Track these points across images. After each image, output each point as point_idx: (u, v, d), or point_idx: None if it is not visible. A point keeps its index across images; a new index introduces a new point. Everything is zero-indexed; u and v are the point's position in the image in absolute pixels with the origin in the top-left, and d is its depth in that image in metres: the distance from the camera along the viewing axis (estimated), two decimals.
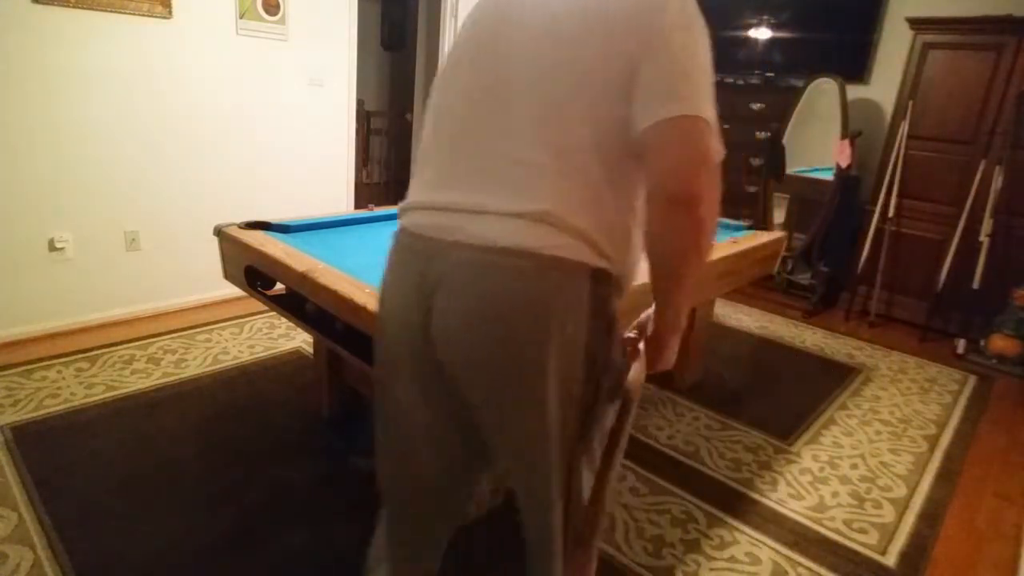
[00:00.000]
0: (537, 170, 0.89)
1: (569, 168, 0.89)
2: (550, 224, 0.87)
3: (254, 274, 1.88)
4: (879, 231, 3.74)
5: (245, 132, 3.12)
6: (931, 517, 1.98)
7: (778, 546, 1.79)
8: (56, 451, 1.90)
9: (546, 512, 1.00)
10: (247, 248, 1.84)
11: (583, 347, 0.92)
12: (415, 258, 0.96)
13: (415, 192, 1.01)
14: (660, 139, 0.85)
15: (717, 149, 0.87)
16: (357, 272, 1.60)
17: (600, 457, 1.03)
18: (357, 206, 3.70)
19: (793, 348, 3.32)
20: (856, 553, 1.79)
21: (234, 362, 2.58)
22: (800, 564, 1.72)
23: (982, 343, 3.36)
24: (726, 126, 4.34)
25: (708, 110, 0.85)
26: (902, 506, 2.03)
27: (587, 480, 1.03)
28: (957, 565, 1.80)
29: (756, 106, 4.22)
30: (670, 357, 1.07)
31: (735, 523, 1.87)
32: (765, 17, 4.21)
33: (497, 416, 0.98)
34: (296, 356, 2.68)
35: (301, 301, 1.73)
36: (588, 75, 0.89)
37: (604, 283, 0.92)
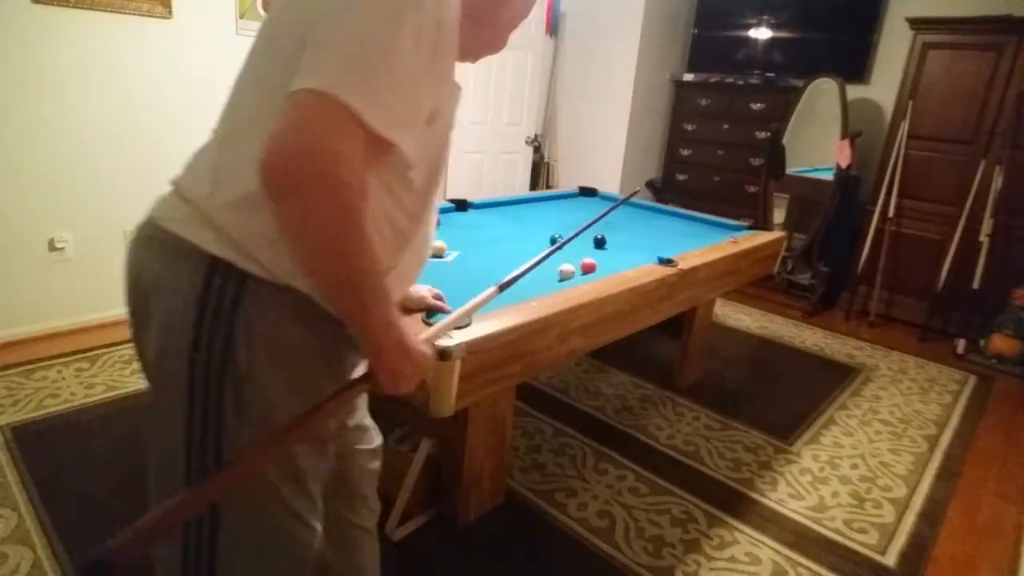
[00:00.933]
0: (208, 146, 0.86)
1: (226, 144, 0.83)
2: (179, 196, 0.83)
3: None
4: (879, 231, 3.74)
5: None
6: (931, 517, 1.99)
7: (778, 546, 1.79)
8: (56, 451, 1.90)
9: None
10: None
11: (184, 354, 0.78)
12: None
13: None
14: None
15: (332, 137, 0.67)
16: None
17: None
18: None
19: (793, 348, 3.32)
20: (856, 553, 1.79)
21: None
22: (800, 564, 1.72)
23: (982, 343, 3.36)
24: (726, 126, 4.31)
25: (344, 90, 0.67)
26: (902, 506, 2.03)
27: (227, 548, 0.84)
28: (957, 565, 1.80)
29: (756, 106, 4.22)
30: (391, 381, 0.84)
31: (735, 523, 1.87)
32: (765, 17, 4.21)
33: None
34: None
35: None
36: (270, 49, 0.84)
37: (236, 283, 0.77)
